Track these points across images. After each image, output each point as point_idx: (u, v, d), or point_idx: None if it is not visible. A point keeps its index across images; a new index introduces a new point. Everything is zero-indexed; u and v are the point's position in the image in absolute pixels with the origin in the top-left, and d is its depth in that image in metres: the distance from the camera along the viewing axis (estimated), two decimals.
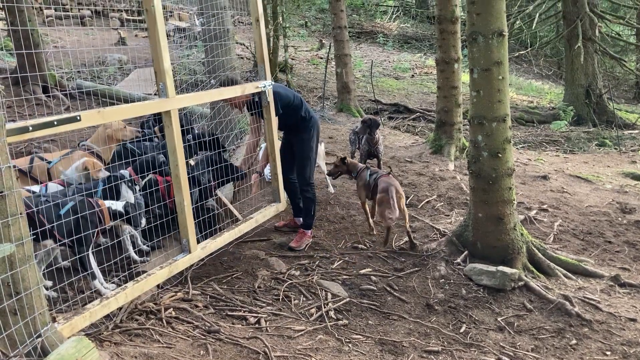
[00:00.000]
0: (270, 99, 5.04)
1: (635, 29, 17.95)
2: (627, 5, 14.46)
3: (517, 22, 15.19)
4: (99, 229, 3.81)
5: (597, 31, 13.33)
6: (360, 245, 5.39)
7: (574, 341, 4.05)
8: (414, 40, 21.50)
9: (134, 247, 4.55)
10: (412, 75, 17.22)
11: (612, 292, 4.82)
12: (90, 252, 3.76)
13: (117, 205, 3.97)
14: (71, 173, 4.45)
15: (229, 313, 4.03)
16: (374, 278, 4.79)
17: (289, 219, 5.76)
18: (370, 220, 5.64)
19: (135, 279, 3.66)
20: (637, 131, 12.90)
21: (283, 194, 5.35)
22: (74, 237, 3.63)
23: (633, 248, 5.76)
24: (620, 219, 6.48)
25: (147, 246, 4.67)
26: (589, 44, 13.34)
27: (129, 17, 16.81)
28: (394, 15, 23.62)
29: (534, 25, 13.83)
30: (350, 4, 22.07)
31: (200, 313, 3.92)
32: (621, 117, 13.62)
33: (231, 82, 4.92)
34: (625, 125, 13.26)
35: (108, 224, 3.89)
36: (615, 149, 11.26)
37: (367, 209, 5.65)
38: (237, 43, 11.80)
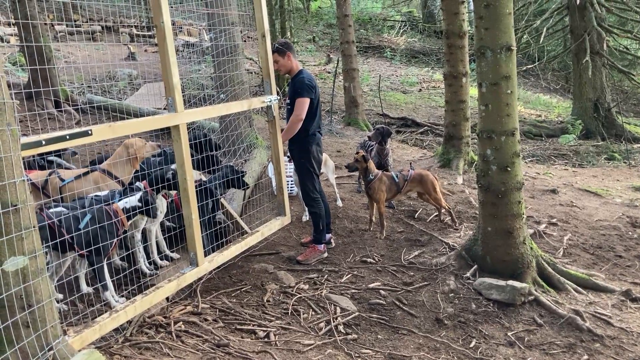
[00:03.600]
0: (276, 113, 5.07)
1: None
2: (635, 19, 14.46)
3: (525, 36, 15.22)
4: (116, 239, 3.82)
5: (605, 45, 13.33)
6: (369, 259, 5.38)
7: (586, 356, 4.01)
8: (422, 54, 21.58)
9: (148, 259, 4.55)
10: (420, 90, 17.26)
11: (624, 307, 4.77)
12: (105, 263, 3.76)
13: (131, 201, 3.92)
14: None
15: (238, 327, 4.03)
16: (383, 292, 4.78)
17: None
18: (384, 221, 5.99)
19: (144, 292, 3.68)
20: None
21: (288, 208, 5.36)
22: (92, 248, 3.61)
23: None
24: (630, 233, 6.44)
25: (166, 257, 4.70)
26: (596, 57, 13.34)
27: (138, 33, 17.00)
28: (402, 30, 23.73)
29: (542, 39, 13.84)
30: (358, 19, 22.21)
31: (209, 327, 3.92)
32: (630, 131, 13.57)
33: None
34: (634, 139, 13.21)
35: (126, 226, 3.92)
36: (625, 162, 11.21)
37: (384, 210, 6.01)
38: (246, 58, 11.90)
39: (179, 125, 3.86)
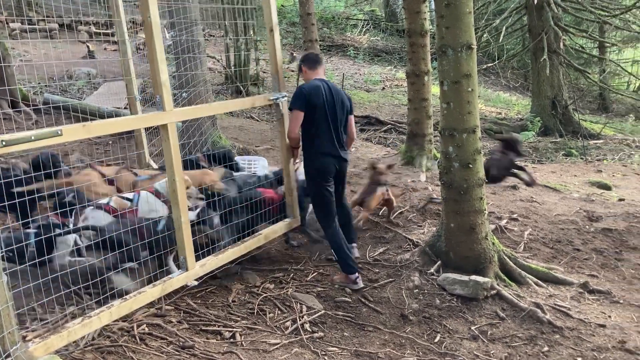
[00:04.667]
0: (285, 111, 4.92)
1: (597, 42, 18.50)
2: (590, 19, 14.89)
3: (485, 35, 15.51)
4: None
5: (561, 44, 13.68)
6: (334, 257, 5.39)
7: (546, 348, 4.11)
8: (384, 53, 21.74)
9: None
10: (383, 88, 17.38)
11: (582, 299, 4.91)
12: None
13: (191, 215, 4.33)
14: (161, 185, 4.67)
15: (204, 328, 3.99)
16: (348, 290, 4.80)
17: None
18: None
19: (124, 297, 3.57)
20: (601, 141, 13.25)
21: (297, 209, 5.15)
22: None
23: (600, 255, 5.89)
24: (587, 227, 6.62)
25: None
26: (554, 56, 13.68)
27: (97, 30, 16.63)
28: (364, 29, 23.85)
29: (501, 38, 14.13)
30: (321, 17, 22.23)
31: (174, 328, 3.87)
32: (586, 128, 13.98)
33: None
34: (590, 135, 13.60)
35: None
36: (582, 158, 11.53)
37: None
38: (208, 56, 11.79)
39: (168, 124, 3.75)
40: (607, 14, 14.15)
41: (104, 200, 4.52)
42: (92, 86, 11.22)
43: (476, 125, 4.83)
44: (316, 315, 4.35)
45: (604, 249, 5.99)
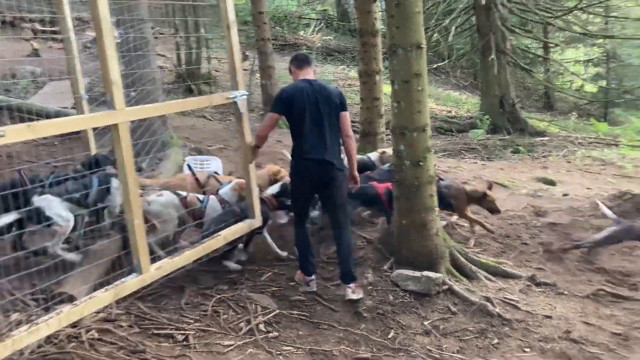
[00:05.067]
0: (244, 110, 4.75)
1: (542, 42, 19.11)
2: (534, 20, 15.35)
3: (435, 35, 15.79)
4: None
5: (508, 44, 14.06)
6: (289, 256, 5.38)
7: (496, 340, 4.22)
8: (337, 52, 21.83)
9: None
10: (336, 87, 17.45)
11: (530, 292, 5.06)
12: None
13: (274, 189, 5.41)
14: (225, 192, 5.40)
15: (155, 332, 3.91)
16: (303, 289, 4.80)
17: None
18: None
19: (74, 302, 3.44)
20: (547, 138, 13.68)
21: (258, 210, 5.02)
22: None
23: (547, 248, 6.08)
24: (535, 222, 6.82)
25: None
26: (501, 56, 14.04)
27: (42, 28, 16.09)
28: (317, 28, 23.90)
29: (450, 38, 14.41)
30: (274, 16, 22.14)
31: (124, 333, 3.78)
32: (532, 125, 14.41)
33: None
34: (536, 132, 14.04)
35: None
36: (529, 155, 11.87)
37: None
38: (157, 54, 11.57)
39: (119, 124, 3.59)
40: (550, 15, 14.63)
41: (183, 193, 5.26)
42: (36, 85, 10.85)
43: (426, 124, 4.91)
44: (271, 315, 4.33)
45: (550, 243, 6.17)
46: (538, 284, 5.18)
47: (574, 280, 5.41)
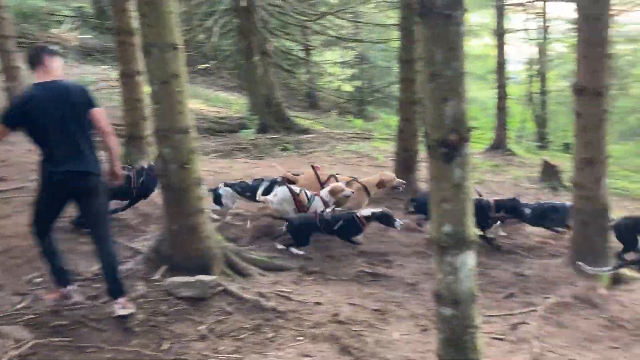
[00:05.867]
0: None
1: (303, 45, 20.30)
2: (293, 23, 16.21)
3: (200, 35, 15.73)
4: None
5: (270, 46, 14.62)
6: (40, 279, 4.82)
7: (271, 334, 4.31)
8: (97, 52, 20.47)
9: None
10: (98, 89, 16.34)
11: (301, 282, 5.31)
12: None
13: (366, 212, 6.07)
14: (324, 193, 6.42)
15: None
16: (65, 312, 4.35)
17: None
18: None
19: None
20: (312, 135, 14.57)
21: None
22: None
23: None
24: None
25: None
26: (265, 57, 14.54)
27: None
28: (73, 26, 22.09)
29: (213, 39, 14.50)
30: (20, 12, 19.88)
31: None
32: (298, 124, 15.24)
33: None
34: (302, 130, 14.85)
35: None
36: (296, 152, 12.53)
37: None
38: None
39: None
40: (306, 19, 15.59)
41: (297, 189, 6.40)
42: None
43: (188, 125, 4.82)
44: (26, 346, 3.84)
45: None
46: (308, 273, 5.46)
47: (339, 265, 5.82)
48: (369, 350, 4.10)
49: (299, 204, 6.33)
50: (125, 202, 6.26)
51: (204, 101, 17.01)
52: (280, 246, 6.01)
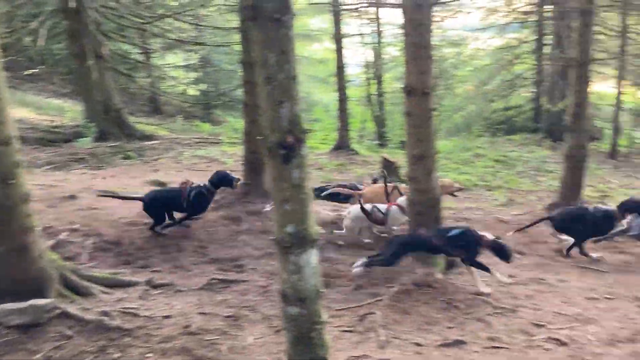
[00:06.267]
0: None
1: (142, 48, 19.51)
2: (128, 26, 15.50)
3: (26, 38, 14.47)
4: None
5: (105, 49, 13.84)
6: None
7: (118, 354, 4.06)
8: None
9: None
10: None
11: (149, 296, 5.07)
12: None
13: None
14: (402, 200, 6.47)
15: None
16: None
17: None
18: None
19: None
20: (156, 141, 14.07)
21: None
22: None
23: (163, 250, 6.22)
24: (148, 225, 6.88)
25: None
26: (100, 61, 13.73)
27: None
28: None
29: (43, 42, 13.38)
30: None
31: None
32: (140, 130, 14.60)
33: None
34: (145, 136, 14.28)
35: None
36: (139, 160, 11.98)
37: None
38: None
39: None
40: (143, 21, 14.99)
41: (368, 206, 6.48)
42: None
43: (10, 137, 4.37)
44: None
45: (164, 244, 6.33)
46: (156, 286, 5.24)
47: (189, 275, 5.67)
48: (223, 358, 4.03)
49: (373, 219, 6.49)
50: None
51: (34, 109, 15.66)
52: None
